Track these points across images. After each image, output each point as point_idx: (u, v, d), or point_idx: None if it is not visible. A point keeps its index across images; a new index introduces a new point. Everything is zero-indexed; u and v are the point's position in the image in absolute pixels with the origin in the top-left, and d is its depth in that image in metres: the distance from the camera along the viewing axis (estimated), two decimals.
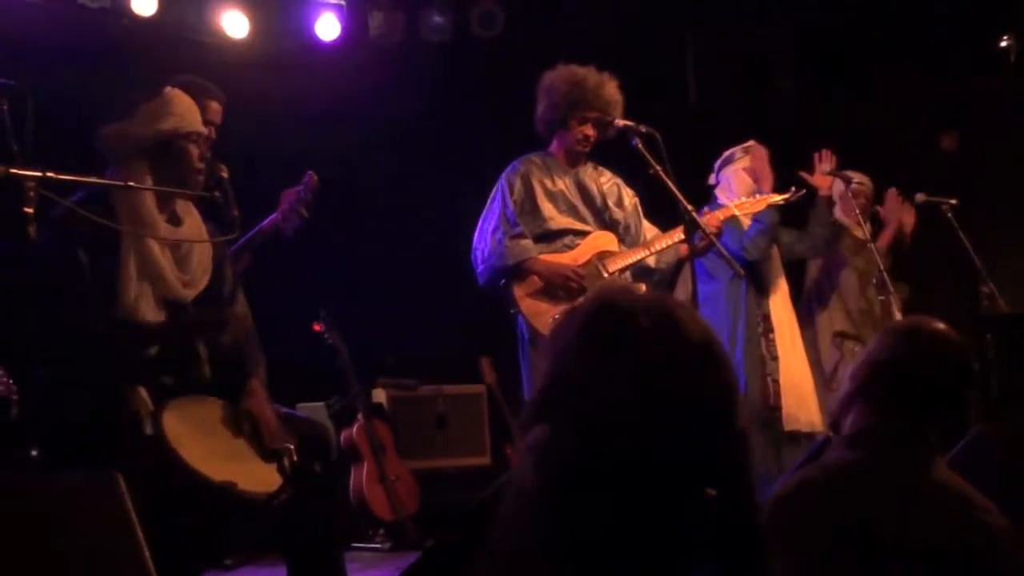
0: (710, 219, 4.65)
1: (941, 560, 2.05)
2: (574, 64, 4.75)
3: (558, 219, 4.69)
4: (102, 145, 3.54)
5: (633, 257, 4.69)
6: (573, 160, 4.80)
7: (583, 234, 4.71)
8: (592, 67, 4.74)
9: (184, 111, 3.60)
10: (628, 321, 1.28)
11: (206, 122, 4.44)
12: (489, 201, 4.74)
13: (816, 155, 5.62)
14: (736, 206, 4.95)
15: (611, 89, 4.71)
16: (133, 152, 3.49)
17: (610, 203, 4.83)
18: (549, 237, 4.67)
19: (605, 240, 4.74)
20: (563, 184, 4.74)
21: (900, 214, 6.01)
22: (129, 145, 3.50)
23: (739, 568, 1.28)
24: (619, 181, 4.90)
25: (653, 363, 1.26)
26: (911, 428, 2.22)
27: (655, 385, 1.25)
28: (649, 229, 4.88)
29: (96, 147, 3.55)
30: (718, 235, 4.63)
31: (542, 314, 4.51)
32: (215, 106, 4.56)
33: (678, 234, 4.61)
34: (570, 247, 4.67)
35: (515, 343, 4.72)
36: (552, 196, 4.71)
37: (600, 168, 4.90)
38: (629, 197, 4.90)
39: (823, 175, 5.59)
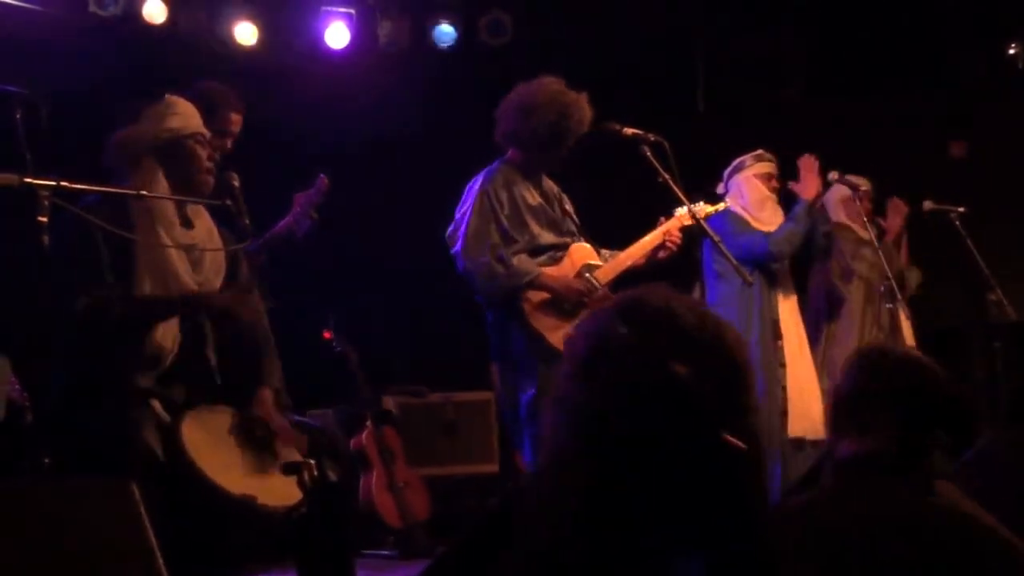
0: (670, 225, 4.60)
1: None
2: (548, 80, 4.58)
3: (543, 235, 4.60)
4: (112, 155, 3.54)
5: (621, 267, 4.63)
6: (537, 171, 4.69)
7: (564, 247, 4.65)
8: (556, 80, 4.58)
9: (187, 113, 3.63)
10: (670, 314, 1.35)
11: (224, 132, 4.47)
12: (471, 214, 4.54)
13: (799, 161, 5.60)
14: (680, 217, 4.81)
15: (586, 106, 4.56)
16: (144, 154, 3.51)
17: (567, 211, 4.78)
18: (536, 252, 4.58)
19: (585, 252, 4.66)
20: (538, 196, 4.63)
21: (901, 218, 6.02)
22: (139, 147, 3.51)
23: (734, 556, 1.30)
24: (559, 188, 4.82)
25: (698, 344, 1.33)
26: (898, 454, 2.18)
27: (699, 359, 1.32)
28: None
29: (104, 161, 3.56)
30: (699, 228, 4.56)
31: (555, 329, 4.42)
32: (234, 116, 4.56)
33: (656, 240, 4.59)
34: (555, 260, 4.63)
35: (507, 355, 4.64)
36: (533, 211, 4.57)
37: (544, 176, 4.77)
38: (569, 204, 4.85)
39: (810, 183, 5.55)
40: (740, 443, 1.30)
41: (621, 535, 1.30)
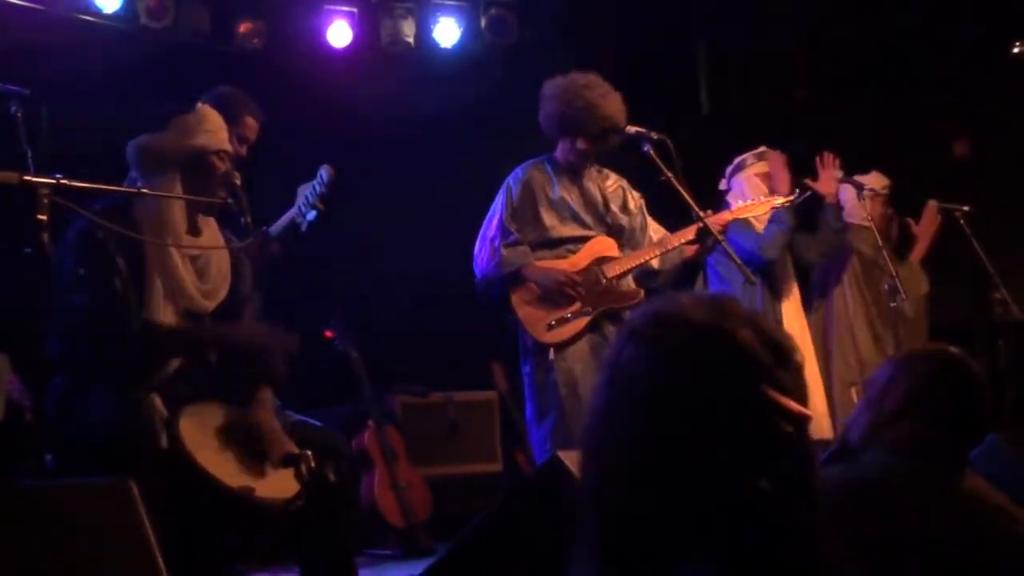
0: (714, 220, 4.63)
1: (968, 570, 2.06)
2: (579, 74, 4.66)
3: (560, 228, 4.65)
4: (134, 157, 3.54)
5: (634, 261, 4.65)
6: (576, 166, 4.75)
7: (585, 240, 4.69)
8: (595, 77, 4.64)
9: (216, 128, 3.64)
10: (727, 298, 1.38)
11: (240, 138, 4.48)
12: (491, 207, 4.72)
13: (818, 159, 5.60)
14: (738, 209, 4.93)
15: (611, 105, 4.60)
16: (168, 164, 3.52)
17: (614, 207, 4.78)
18: (551, 244, 4.64)
19: (604, 245, 4.70)
20: (566, 191, 4.69)
21: (934, 227, 6.00)
22: (166, 157, 3.52)
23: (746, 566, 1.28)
24: (624, 183, 4.86)
25: (754, 321, 1.36)
26: (952, 442, 2.32)
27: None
28: (656, 230, 4.85)
29: (127, 158, 3.55)
30: (724, 234, 4.60)
31: (539, 321, 4.50)
32: (251, 122, 4.55)
33: (684, 236, 4.60)
34: (572, 252, 4.65)
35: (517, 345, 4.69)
36: (554, 204, 4.66)
37: (604, 171, 4.84)
38: (634, 199, 4.86)
39: (829, 180, 5.57)
40: (803, 409, 1.31)
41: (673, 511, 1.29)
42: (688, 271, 4.80)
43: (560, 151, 4.75)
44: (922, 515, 2.14)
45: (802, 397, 1.33)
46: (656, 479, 1.28)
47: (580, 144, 4.63)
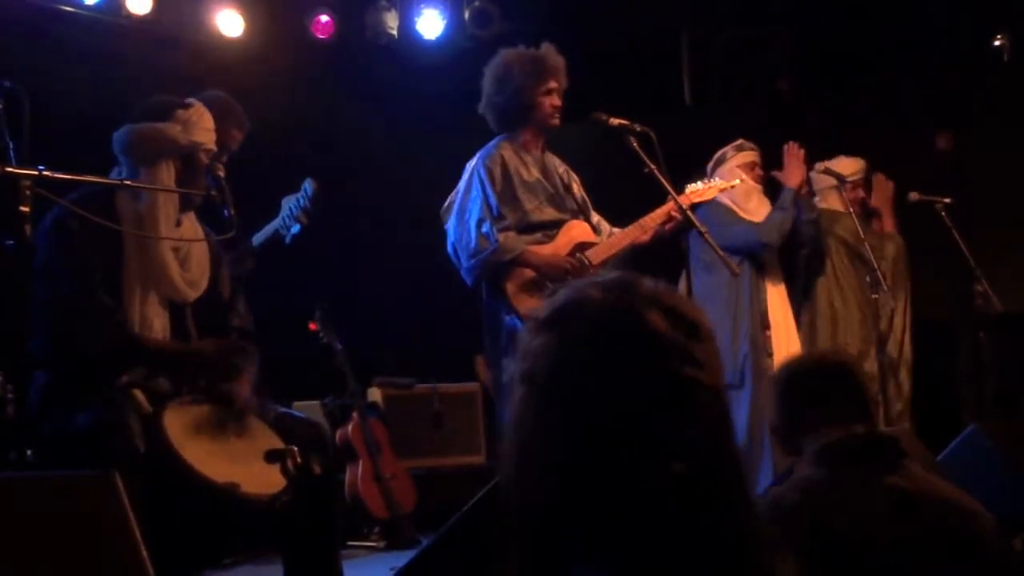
0: (670, 209, 4.56)
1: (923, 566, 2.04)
2: (506, 49, 4.68)
3: (540, 211, 4.54)
4: (128, 142, 3.53)
5: (616, 247, 4.58)
6: (538, 144, 4.68)
7: (561, 224, 4.62)
8: (516, 49, 4.67)
9: (211, 128, 3.67)
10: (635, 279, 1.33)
11: (223, 146, 4.48)
12: (464, 190, 4.57)
13: (785, 148, 5.59)
14: (693, 192, 4.84)
15: (555, 55, 4.63)
16: (165, 154, 3.52)
17: (573, 189, 4.77)
18: (531, 229, 4.54)
19: (581, 230, 4.63)
20: (537, 172, 4.61)
21: (888, 196, 6.03)
22: (162, 147, 3.52)
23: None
24: (567, 166, 4.82)
25: (665, 301, 1.30)
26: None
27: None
28: (594, 215, 4.81)
29: (118, 141, 3.54)
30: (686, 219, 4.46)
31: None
32: (236, 133, 4.55)
33: (659, 216, 4.56)
34: (550, 237, 4.61)
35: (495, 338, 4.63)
36: (530, 187, 4.55)
37: (550, 153, 4.78)
38: (577, 183, 4.82)
39: (795, 171, 5.55)
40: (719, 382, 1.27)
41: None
42: (632, 258, 4.71)
43: (523, 130, 4.66)
44: (860, 519, 2.11)
45: (716, 368, 1.29)
46: (571, 472, 1.25)
47: (553, 101, 4.57)
